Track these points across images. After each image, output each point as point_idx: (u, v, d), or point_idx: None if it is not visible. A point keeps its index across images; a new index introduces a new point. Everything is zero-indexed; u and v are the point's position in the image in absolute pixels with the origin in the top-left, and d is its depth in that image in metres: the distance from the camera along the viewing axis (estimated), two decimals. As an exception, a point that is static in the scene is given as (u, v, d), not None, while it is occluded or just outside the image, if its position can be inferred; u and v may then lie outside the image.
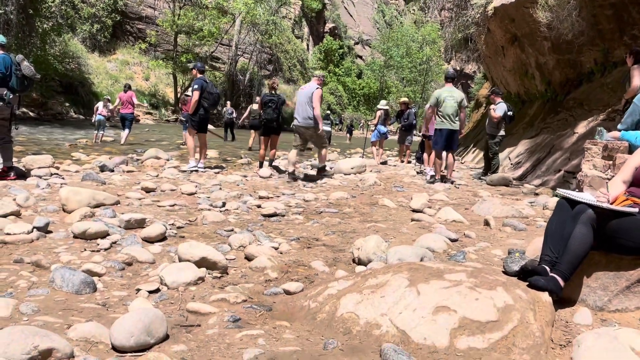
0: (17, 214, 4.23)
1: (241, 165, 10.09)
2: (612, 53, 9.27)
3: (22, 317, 2.28)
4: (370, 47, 58.80)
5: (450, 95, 8.43)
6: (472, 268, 2.66)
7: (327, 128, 17.55)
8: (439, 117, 8.52)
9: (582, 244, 2.41)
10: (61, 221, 4.27)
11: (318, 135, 8.18)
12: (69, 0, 25.71)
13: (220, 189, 6.46)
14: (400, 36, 48.14)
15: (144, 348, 2.04)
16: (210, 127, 8.97)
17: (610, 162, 3.94)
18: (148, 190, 5.90)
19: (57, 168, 7.17)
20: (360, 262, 3.43)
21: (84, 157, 9.32)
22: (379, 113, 13.07)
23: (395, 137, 14.02)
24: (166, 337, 2.15)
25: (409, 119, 12.86)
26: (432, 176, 8.95)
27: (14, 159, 6.40)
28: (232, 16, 34.29)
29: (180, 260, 3.22)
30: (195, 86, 8.10)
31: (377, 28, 61.58)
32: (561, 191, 2.67)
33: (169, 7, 32.83)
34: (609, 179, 3.47)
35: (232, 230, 4.38)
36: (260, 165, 9.06)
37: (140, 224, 4.21)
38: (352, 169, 9.35)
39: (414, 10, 50.13)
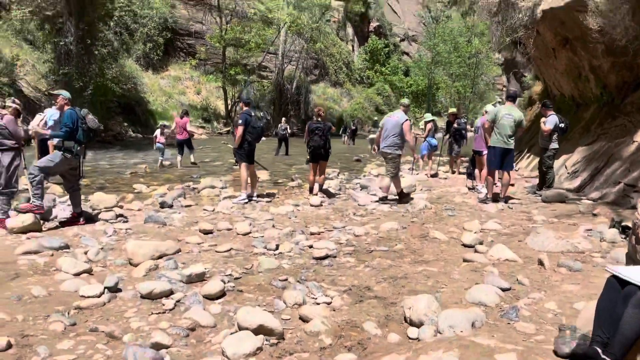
0: (89, 272, 4.60)
1: (292, 189, 10.34)
2: (672, 56, 8.79)
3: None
4: (416, 43, 57.91)
5: (508, 114, 8.30)
6: (522, 347, 2.70)
7: None
8: (494, 134, 8.41)
9: (633, 328, 2.41)
10: (129, 276, 4.61)
11: (394, 162, 8.55)
12: (122, 24, 26.99)
13: (274, 226, 6.70)
14: (448, 31, 47.10)
15: None
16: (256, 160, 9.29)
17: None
18: (206, 232, 6.21)
19: (121, 207, 7.65)
20: (412, 323, 3.51)
21: (144, 188, 9.83)
22: (429, 125, 12.96)
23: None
24: None
25: (460, 129, 12.69)
26: (485, 194, 8.84)
27: (82, 197, 6.91)
28: (277, 27, 34.84)
29: (240, 327, 3.41)
30: (240, 121, 8.46)
31: (423, 23, 60.52)
32: (610, 268, 2.64)
33: (216, 21, 33.78)
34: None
35: (286, 279, 4.57)
36: (311, 191, 9.29)
37: (200, 277, 4.49)
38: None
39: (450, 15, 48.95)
